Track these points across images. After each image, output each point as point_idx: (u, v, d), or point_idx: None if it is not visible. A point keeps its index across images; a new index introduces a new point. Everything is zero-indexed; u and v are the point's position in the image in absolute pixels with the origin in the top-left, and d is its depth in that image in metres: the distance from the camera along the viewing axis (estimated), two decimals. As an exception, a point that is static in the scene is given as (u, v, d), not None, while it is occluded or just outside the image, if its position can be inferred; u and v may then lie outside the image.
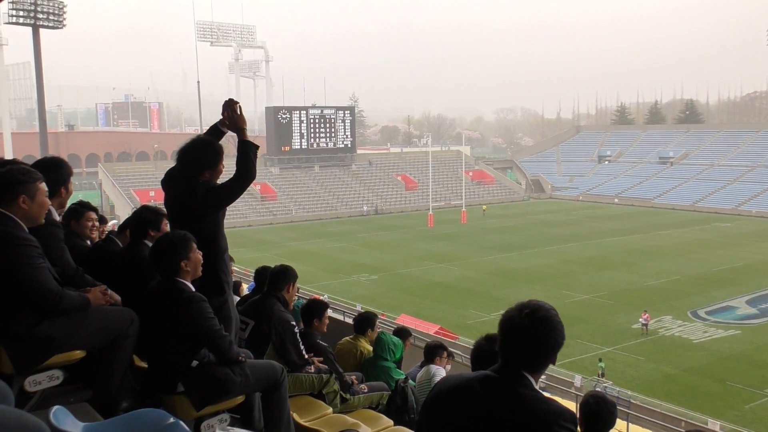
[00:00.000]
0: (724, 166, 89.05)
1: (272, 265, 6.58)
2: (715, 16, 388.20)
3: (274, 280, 6.08)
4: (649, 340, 31.39)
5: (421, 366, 7.65)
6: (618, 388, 24.86)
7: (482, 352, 4.13)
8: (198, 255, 4.43)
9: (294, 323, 5.86)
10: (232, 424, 4.64)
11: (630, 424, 13.89)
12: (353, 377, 6.47)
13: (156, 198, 69.51)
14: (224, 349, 4.28)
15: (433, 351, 7.37)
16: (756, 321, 34.50)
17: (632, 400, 22.71)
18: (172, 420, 3.28)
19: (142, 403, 4.13)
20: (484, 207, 78.07)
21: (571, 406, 14.38)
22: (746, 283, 41.41)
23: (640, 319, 32.32)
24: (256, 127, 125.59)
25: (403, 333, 8.16)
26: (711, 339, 31.62)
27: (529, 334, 2.55)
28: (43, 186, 4.00)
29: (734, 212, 74.91)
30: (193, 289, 4.36)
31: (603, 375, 27.26)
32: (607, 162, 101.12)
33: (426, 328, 29.19)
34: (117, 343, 4.24)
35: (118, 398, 4.29)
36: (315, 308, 6.67)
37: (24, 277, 3.82)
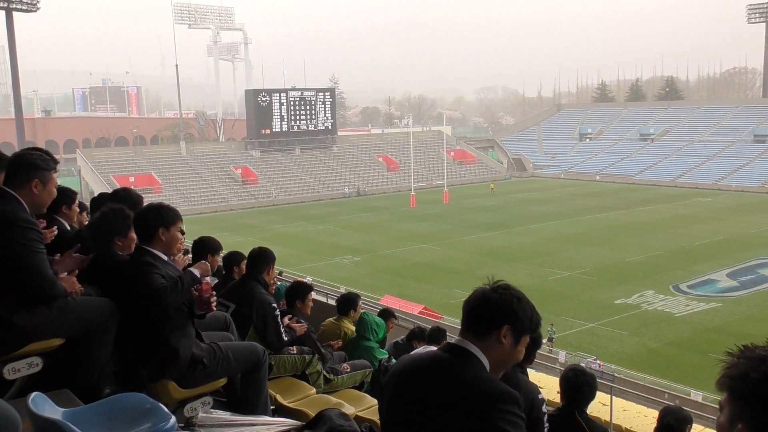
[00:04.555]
0: (704, 142, 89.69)
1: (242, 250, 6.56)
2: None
3: (254, 263, 6.08)
4: (632, 315, 31.72)
5: (409, 341, 7.73)
6: (602, 363, 25.15)
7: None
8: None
9: (275, 305, 5.88)
10: (216, 406, 4.65)
11: (614, 397, 14.03)
12: (333, 344, 6.53)
13: (136, 184, 68.99)
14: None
15: (443, 335, 7.45)
16: (736, 293, 34.98)
17: (616, 374, 23.00)
18: (151, 404, 3.28)
19: (125, 389, 4.11)
20: (492, 185, 78.34)
21: (556, 381, 14.54)
22: (727, 256, 41.91)
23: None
24: (236, 111, 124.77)
25: (386, 314, 8.29)
26: (693, 312, 32.03)
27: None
28: (56, 177, 4.09)
29: (714, 187, 75.61)
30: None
31: (552, 340, 27.76)
32: (588, 140, 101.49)
33: (410, 309, 29.25)
34: (96, 335, 4.20)
35: (101, 385, 4.26)
36: (298, 290, 6.73)
37: (23, 261, 3.80)
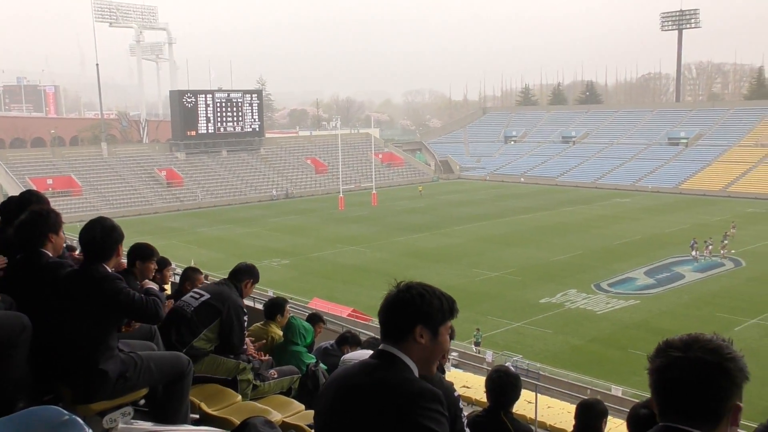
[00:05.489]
0: (623, 144, 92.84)
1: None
2: (612, 1, 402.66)
3: (239, 271, 6.39)
4: (556, 314, 32.48)
5: (339, 346, 7.72)
6: (528, 361, 25.62)
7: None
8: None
9: (245, 311, 6.17)
10: (137, 417, 4.52)
11: (539, 395, 14.33)
12: (264, 356, 6.55)
13: (54, 186, 66.66)
14: None
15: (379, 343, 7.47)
16: (653, 291, 36.29)
17: (541, 372, 23.48)
18: (67, 417, 3.13)
19: (40, 402, 3.94)
20: (420, 188, 78.88)
21: (483, 381, 14.74)
22: (644, 255, 43.45)
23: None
24: (160, 112, 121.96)
25: (314, 318, 8.29)
26: (613, 309, 33.05)
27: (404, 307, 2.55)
28: None
29: (632, 188, 78.33)
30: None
31: (478, 344, 28.15)
32: (512, 142, 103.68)
33: (339, 311, 29.19)
34: (3, 350, 4.00)
35: (15, 398, 4.07)
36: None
37: None
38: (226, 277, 6.41)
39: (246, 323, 6.14)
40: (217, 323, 5.89)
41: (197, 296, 6.01)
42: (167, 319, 5.61)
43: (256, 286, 6.70)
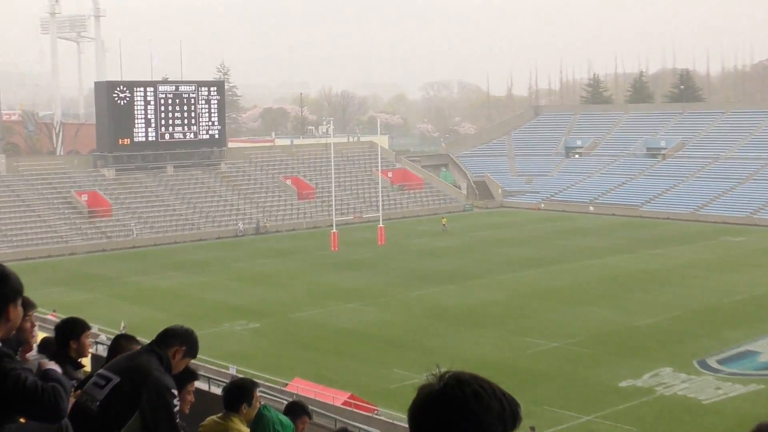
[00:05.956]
0: (733, 160, 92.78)
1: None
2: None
3: (164, 336, 6.15)
4: (644, 403, 32.14)
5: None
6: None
7: None
8: None
9: (175, 392, 5.84)
10: None
11: None
12: None
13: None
14: None
15: None
16: (784, 370, 35.91)
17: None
18: None
19: None
20: (444, 220, 79.03)
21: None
22: (769, 318, 43.12)
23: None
24: (81, 111, 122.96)
25: (295, 410, 8.32)
26: (726, 398, 32.67)
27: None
28: None
29: (749, 221, 78.24)
30: None
31: None
32: (577, 155, 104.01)
33: (330, 398, 29.09)
34: None
35: None
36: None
37: None
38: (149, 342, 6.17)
39: (177, 405, 5.84)
40: (137, 418, 5.64)
41: (103, 382, 5.74)
42: (72, 421, 5.35)
43: (209, 359, 6.48)
